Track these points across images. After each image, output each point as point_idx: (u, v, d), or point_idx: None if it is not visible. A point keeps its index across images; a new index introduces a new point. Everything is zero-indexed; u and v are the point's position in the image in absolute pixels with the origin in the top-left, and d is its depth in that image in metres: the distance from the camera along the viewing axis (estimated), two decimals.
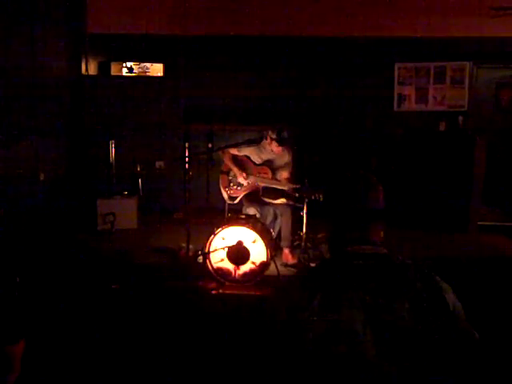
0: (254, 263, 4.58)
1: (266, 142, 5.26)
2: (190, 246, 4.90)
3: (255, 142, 5.27)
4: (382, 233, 1.70)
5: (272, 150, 5.25)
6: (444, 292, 1.55)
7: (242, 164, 5.38)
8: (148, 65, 7.04)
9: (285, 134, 5.13)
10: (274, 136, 5.13)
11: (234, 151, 5.39)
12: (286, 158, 5.35)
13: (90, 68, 7.11)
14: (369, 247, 1.63)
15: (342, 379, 1.46)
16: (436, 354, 1.49)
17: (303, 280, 1.68)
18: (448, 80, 7.10)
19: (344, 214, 1.68)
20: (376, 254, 1.62)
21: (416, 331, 1.48)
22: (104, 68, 7.12)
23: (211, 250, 4.61)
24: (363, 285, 1.53)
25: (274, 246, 4.98)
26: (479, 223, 6.45)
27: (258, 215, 5.14)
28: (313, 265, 4.98)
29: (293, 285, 1.69)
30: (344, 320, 1.48)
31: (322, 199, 4.81)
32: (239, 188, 5.36)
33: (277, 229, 5.41)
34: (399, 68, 7.16)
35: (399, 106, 7.23)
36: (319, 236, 5.57)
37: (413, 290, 1.53)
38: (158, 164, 7.26)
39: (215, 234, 4.60)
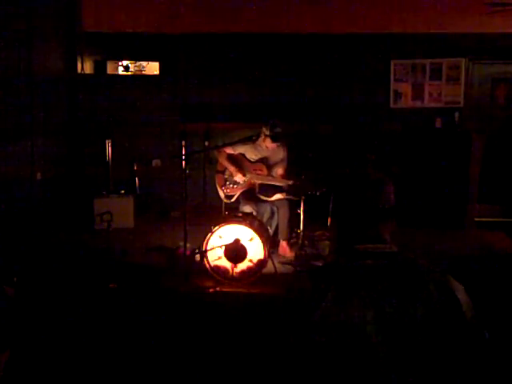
0: (251, 261, 4.58)
1: (260, 140, 5.26)
2: (188, 245, 4.90)
3: (250, 139, 5.27)
4: (391, 230, 1.66)
5: (266, 146, 5.26)
6: (456, 292, 1.52)
7: (238, 162, 5.39)
8: (144, 63, 7.02)
9: (278, 130, 5.13)
10: (267, 132, 5.14)
11: (229, 150, 5.39)
12: (281, 154, 5.36)
13: (86, 67, 7.10)
14: (380, 246, 1.60)
15: (351, 381, 1.44)
16: (448, 355, 1.46)
17: (313, 279, 1.66)
18: (444, 76, 7.11)
19: (354, 212, 1.64)
20: (387, 252, 1.59)
21: (428, 332, 1.45)
22: (100, 67, 7.10)
23: (208, 248, 4.61)
24: (375, 284, 1.50)
25: (271, 243, 4.99)
26: (476, 220, 6.46)
27: (254, 213, 5.15)
28: (311, 262, 5.00)
29: (302, 284, 1.67)
30: (355, 321, 1.45)
31: (318, 194, 4.82)
32: (235, 186, 5.36)
33: (274, 226, 5.42)
34: (395, 65, 7.17)
35: (395, 102, 7.24)
36: (316, 234, 5.58)
37: (425, 290, 1.49)
38: (155, 162, 7.25)
39: (212, 233, 4.60)
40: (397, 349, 1.44)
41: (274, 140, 5.15)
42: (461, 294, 1.53)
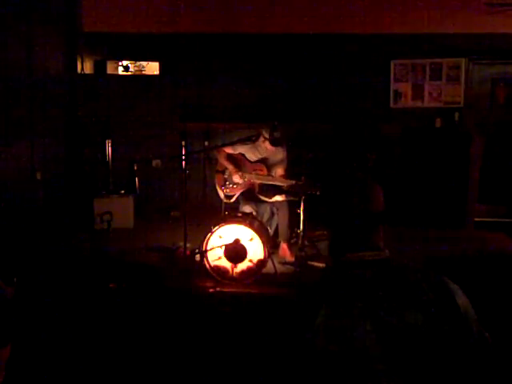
0: (251, 261, 4.58)
1: (260, 141, 5.26)
2: (187, 245, 4.90)
3: (250, 139, 5.26)
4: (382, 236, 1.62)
5: (266, 147, 5.26)
6: (454, 294, 1.48)
7: (238, 162, 5.39)
8: (144, 63, 7.02)
9: (277, 134, 5.13)
10: (266, 135, 5.14)
11: (228, 150, 5.39)
12: (281, 155, 5.36)
13: (86, 67, 7.09)
14: (372, 253, 1.56)
15: None
16: (450, 361, 1.43)
17: (304, 296, 1.58)
18: (444, 76, 7.11)
19: (344, 219, 1.60)
20: (379, 260, 1.55)
21: (428, 339, 1.42)
22: (100, 67, 7.09)
23: (208, 248, 4.61)
24: (370, 294, 1.46)
25: (271, 243, 4.98)
26: (476, 220, 6.46)
27: (254, 213, 5.15)
28: (311, 263, 4.99)
29: (292, 301, 1.61)
30: (355, 338, 1.41)
31: (318, 193, 4.81)
32: (235, 186, 5.36)
33: (274, 226, 5.42)
34: (395, 65, 7.17)
35: (395, 102, 7.23)
36: (316, 234, 5.57)
37: (420, 295, 1.46)
38: (155, 163, 7.25)
39: (212, 233, 4.60)
40: (397, 359, 1.41)
41: (273, 144, 5.16)
42: (458, 296, 1.49)
